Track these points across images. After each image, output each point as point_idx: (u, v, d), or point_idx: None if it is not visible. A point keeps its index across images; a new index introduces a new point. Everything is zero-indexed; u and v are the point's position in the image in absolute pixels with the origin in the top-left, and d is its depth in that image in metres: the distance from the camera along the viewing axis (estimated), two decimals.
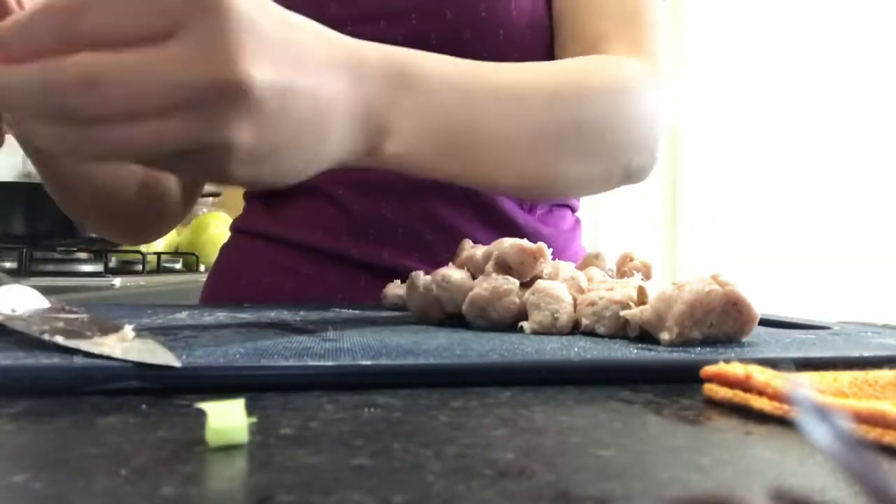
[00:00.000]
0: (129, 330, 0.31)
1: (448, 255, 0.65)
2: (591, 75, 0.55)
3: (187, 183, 0.75)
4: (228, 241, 0.76)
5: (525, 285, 0.42)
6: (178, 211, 0.76)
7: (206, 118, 0.31)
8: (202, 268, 1.74)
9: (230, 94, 0.31)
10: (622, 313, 0.37)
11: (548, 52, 0.68)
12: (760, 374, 0.24)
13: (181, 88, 0.30)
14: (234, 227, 0.75)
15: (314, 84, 0.35)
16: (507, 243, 0.43)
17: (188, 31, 0.30)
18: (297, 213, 0.68)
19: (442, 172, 0.46)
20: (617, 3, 0.65)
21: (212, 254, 1.73)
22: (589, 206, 0.75)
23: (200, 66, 0.30)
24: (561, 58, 0.65)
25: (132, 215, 0.71)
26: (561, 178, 0.53)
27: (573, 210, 0.78)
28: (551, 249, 0.44)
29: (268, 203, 0.72)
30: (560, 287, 0.41)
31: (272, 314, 0.48)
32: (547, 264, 0.44)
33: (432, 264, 0.64)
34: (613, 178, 0.58)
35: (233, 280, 0.71)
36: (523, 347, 0.33)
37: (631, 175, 0.59)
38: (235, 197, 0.79)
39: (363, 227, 0.65)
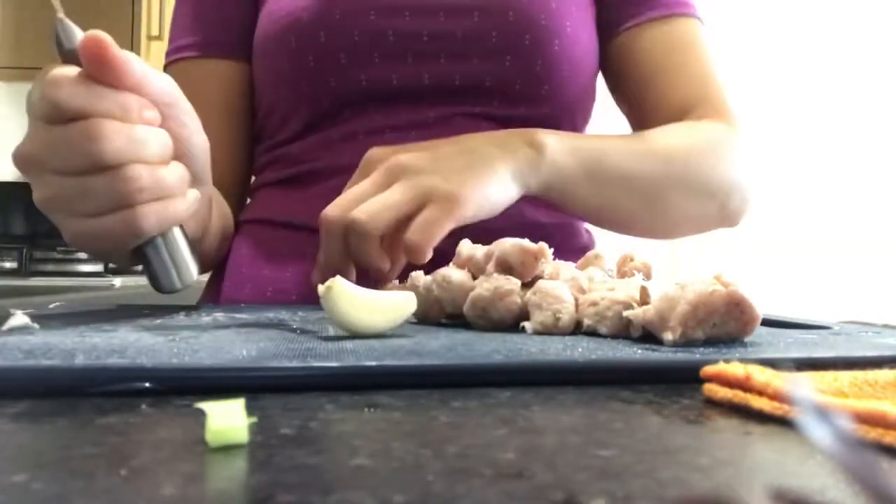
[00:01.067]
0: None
1: (448, 248, 0.65)
2: (692, 135, 0.70)
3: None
4: (232, 242, 0.76)
5: (526, 285, 0.42)
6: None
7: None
8: None
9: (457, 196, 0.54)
10: (625, 313, 0.37)
11: (591, 73, 0.76)
12: (760, 374, 0.24)
13: (406, 206, 0.54)
14: (241, 219, 0.75)
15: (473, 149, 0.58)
16: (508, 243, 0.43)
17: (401, 184, 0.54)
18: (307, 200, 0.68)
19: (581, 201, 0.63)
20: (690, 68, 0.76)
21: None
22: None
23: (414, 192, 0.54)
24: (650, 120, 0.77)
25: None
26: (670, 211, 0.68)
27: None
28: (552, 249, 0.44)
29: (282, 188, 0.72)
30: (562, 287, 0.41)
31: (270, 315, 0.48)
32: (548, 264, 0.44)
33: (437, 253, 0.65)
34: (713, 216, 0.71)
35: (239, 267, 0.71)
36: (527, 348, 0.33)
37: (728, 216, 0.72)
38: None
39: None
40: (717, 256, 2.58)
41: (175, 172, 0.47)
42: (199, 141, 0.50)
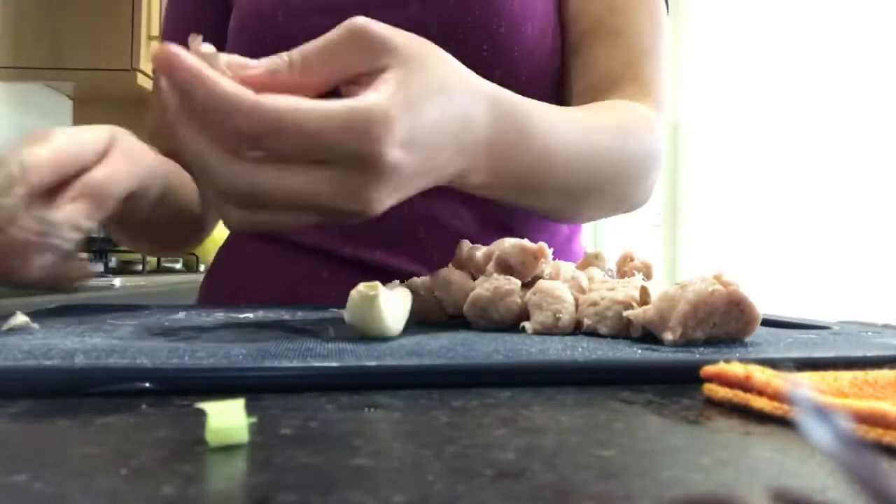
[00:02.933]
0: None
1: (439, 253, 0.65)
2: (623, 133, 0.62)
3: None
4: (225, 242, 0.77)
5: (526, 285, 0.42)
6: (213, 224, 0.78)
7: (329, 216, 0.40)
8: (202, 268, 1.74)
9: (353, 217, 0.40)
10: (625, 313, 0.37)
11: (548, 51, 0.69)
12: (760, 374, 0.24)
13: (322, 207, 0.39)
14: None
15: (425, 182, 0.43)
16: (508, 243, 0.43)
17: (342, 167, 0.38)
18: None
19: (500, 198, 0.53)
20: (630, 40, 0.69)
21: (211, 254, 1.74)
22: None
23: (340, 198, 0.38)
24: (574, 86, 0.70)
25: (180, 241, 0.76)
26: (582, 212, 0.64)
27: None
28: (552, 249, 0.44)
29: None
30: (562, 287, 0.41)
31: (270, 314, 0.48)
32: (548, 264, 0.44)
33: (423, 263, 0.64)
34: (618, 212, 0.69)
35: (229, 278, 0.72)
36: (527, 348, 0.33)
37: (632, 208, 0.69)
38: None
39: (353, 226, 0.65)
40: (717, 256, 2.58)
41: None
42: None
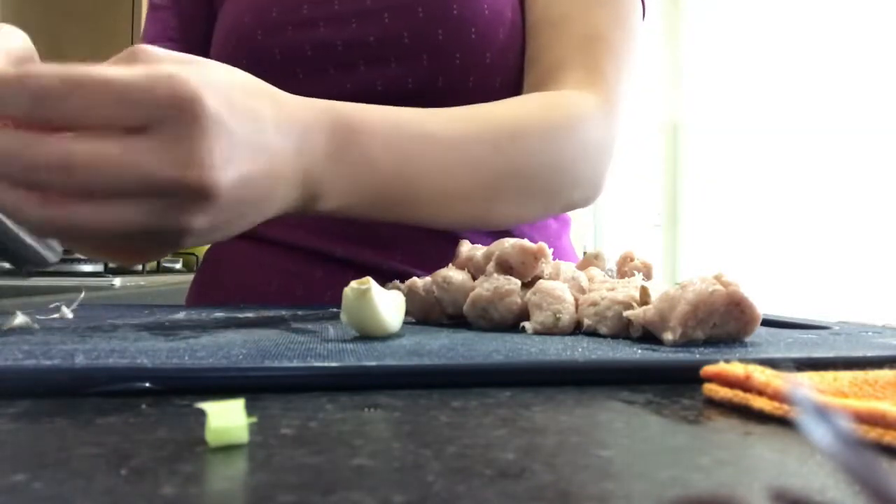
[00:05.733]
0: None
1: (433, 254, 0.64)
2: (534, 119, 0.57)
3: None
4: (212, 245, 0.75)
5: (526, 285, 0.42)
6: None
7: (169, 209, 0.34)
8: None
9: (195, 195, 0.34)
10: (625, 314, 0.37)
11: (520, 54, 0.68)
12: (760, 374, 0.24)
13: (149, 183, 0.33)
14: None
15: (267, 167, 0.39)
16: (508, 243, 0.43)
17: (160, 130, 0.33)
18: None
19: (378, 219, 0.51)
20: (578, 27, 0.65)
21: None
22: (588, 206, 0.75)
23: (170, 167, 0.33)
24: (525, 78, 0.67)
25: None
26: (497, 218, 0.58)
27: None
28: (552, 250, 0.44)
29: None
30: (562, 287, 0.41)
31: (270, 314, 0.48)
32: (548, 264, 0.44)
33: (416, 264, 0.64)
34: (553, 211, 0.65)
35: (218, 280, 0.71)
36: (527, 348, 0.33)
37: (573, 206, 0.64)
38: None
39: (345, 226, 0.65)
40: (717, 256, 2.58)
41: None
42: None
